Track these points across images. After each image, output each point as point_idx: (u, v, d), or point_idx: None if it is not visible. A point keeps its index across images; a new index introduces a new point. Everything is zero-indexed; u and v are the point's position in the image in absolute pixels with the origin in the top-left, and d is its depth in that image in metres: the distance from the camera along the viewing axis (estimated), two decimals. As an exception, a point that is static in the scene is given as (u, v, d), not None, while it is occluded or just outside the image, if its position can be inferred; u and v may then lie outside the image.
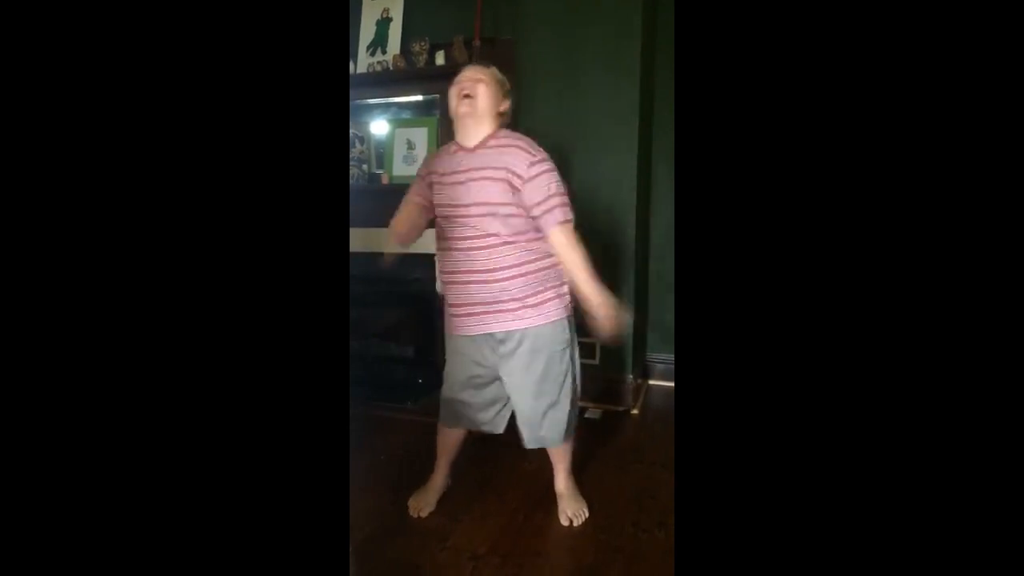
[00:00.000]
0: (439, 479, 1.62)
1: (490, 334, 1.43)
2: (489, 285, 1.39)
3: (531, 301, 1.41)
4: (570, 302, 1.47)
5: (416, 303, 2.52)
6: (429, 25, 2.39)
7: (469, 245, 1.39)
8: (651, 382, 2.67)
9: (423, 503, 1.57)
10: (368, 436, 2.06)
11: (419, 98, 2.48)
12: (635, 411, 2.33)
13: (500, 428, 1.54)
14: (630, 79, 2.20)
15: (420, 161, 2.38)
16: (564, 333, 1.46)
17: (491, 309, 1.41)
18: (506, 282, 1.39)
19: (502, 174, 1.35)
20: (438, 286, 1.55)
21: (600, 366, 2.35)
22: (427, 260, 2.49)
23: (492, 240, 1.37)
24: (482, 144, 1.40)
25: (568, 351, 1.49)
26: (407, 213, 1.54)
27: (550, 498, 1.59)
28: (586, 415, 2.26)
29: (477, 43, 2.26)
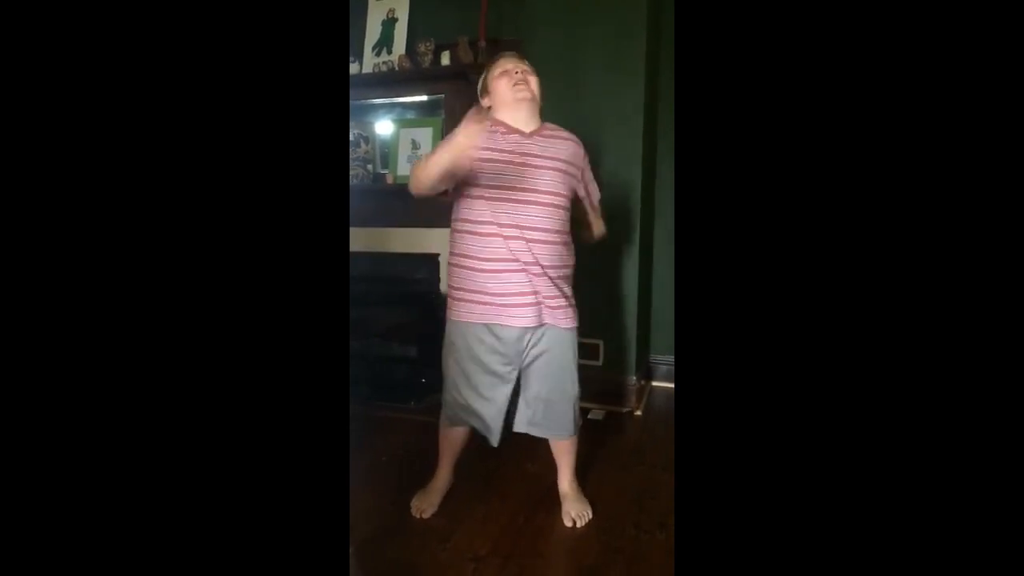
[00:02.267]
0: (442, 480, 1.62)
1: (526, 328, 1.39)
2: (541, 279, 1.38)
3: (566, 301, 1.43)
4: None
5: (419, 303, 2.52)
6: (434, 26, 2.39)
7: (519, 235, 1.35)
8: (654, 383, 2.66)
9: (426, 504, 1.56)
10: (370, 436, 2.06)
11: (424, 98, 2.49)
12: (638, 412, 2.32)
13: (498, 437, 1.50)
14: (634, 79, 2.20)
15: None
16: (575, 334, 1.49)
17: (544, 303, 1.39)
18: (549, 280, 1.39)
19: (570, 168, 1.43)
20: (450, 271, 1.48)
21: (603, 367, 2.35)
22: (430, 260, 2.50)
23: (554, 235, 1.39)
24: (538, 131, 1.43)
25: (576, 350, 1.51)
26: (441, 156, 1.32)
27: (552, 499, 1.59)
28: (589, 416, 2.26)
29: (482, 43, 2.26)
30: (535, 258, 1.36)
